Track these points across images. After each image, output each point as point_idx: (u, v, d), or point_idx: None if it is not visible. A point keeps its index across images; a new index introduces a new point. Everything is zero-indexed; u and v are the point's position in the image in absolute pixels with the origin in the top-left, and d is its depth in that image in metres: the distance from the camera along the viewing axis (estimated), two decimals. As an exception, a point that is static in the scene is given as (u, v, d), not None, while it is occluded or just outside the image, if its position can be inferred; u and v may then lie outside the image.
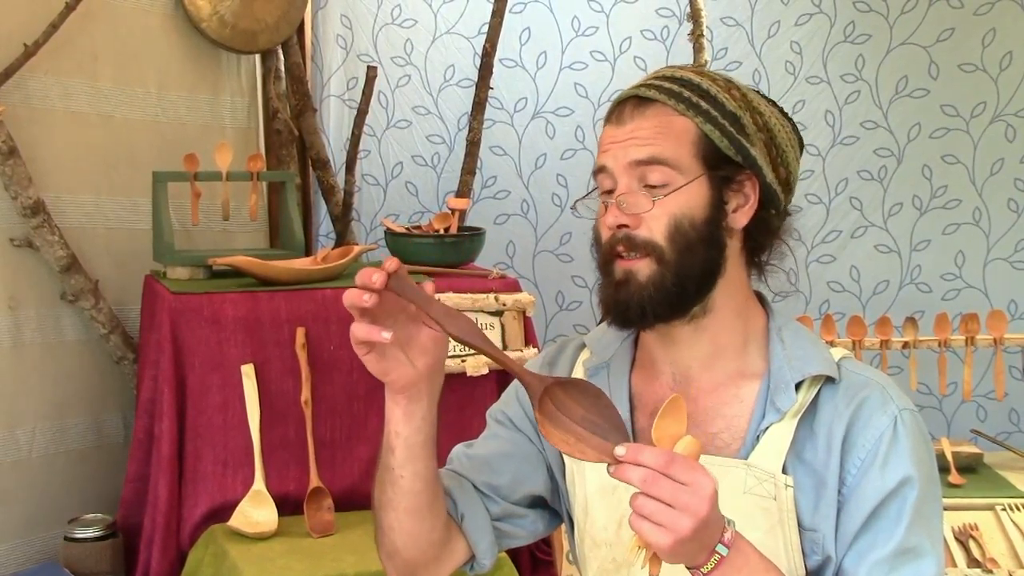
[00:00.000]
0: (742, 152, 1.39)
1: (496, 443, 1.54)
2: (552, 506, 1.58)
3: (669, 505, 1.15)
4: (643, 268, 1.37)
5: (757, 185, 1.41)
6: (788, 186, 1.46)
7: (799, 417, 1.38)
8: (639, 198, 1.37)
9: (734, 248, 1.42)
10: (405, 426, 1.33)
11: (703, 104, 1.39)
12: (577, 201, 1.49)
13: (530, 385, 1.25)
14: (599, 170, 1.42)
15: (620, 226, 1.38)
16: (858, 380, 1.40)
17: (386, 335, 1.24)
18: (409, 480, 1.35)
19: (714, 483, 1.16)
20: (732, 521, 1.24)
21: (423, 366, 1.30)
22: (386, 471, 1.37)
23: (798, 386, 1.39)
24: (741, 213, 1.41)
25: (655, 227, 1.36)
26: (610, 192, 1.41)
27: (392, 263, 1.25)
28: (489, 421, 1.58)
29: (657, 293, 1.37)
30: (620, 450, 1.18)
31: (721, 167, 1.38)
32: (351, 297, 1.25)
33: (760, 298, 1.49)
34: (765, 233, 1.44)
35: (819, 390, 1.40)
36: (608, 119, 1.43)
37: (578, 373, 1.54)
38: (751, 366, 1.43)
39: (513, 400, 1.58)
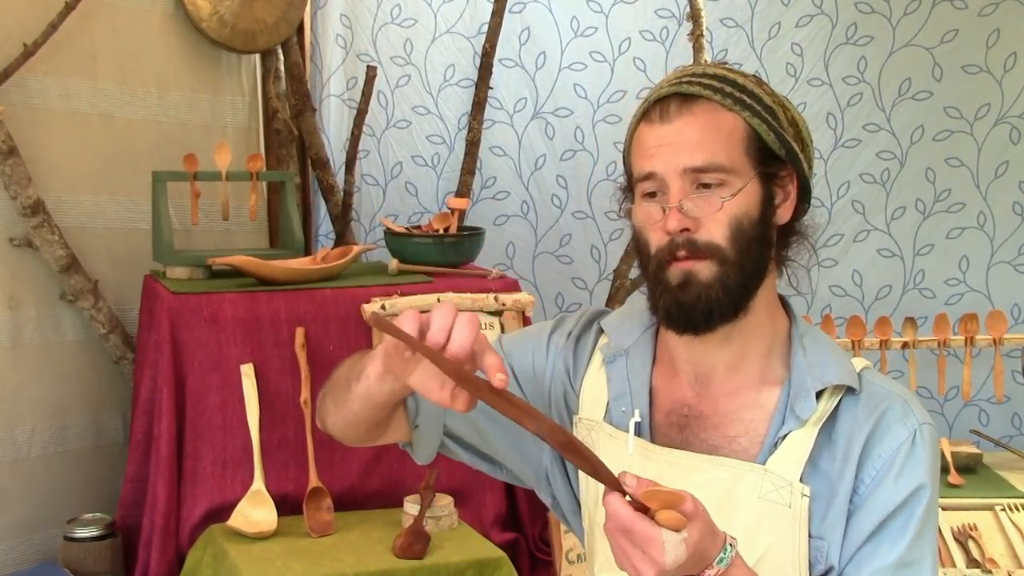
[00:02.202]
0: (785, 146, 1.38)
1: None
2: (527, 484, 1.55)
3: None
4: (703, 269, 1.34)
5: (796, 179, 1.41)
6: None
7: (820, 426, 1.37)
8: (701, 203, 1.34)
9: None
10: (376, 383, 1.29)
11: (747, 99, 1.37)
12: (625, 208, 1.43)
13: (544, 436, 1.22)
14: (646, 177, 1.37)
15: (681, 231, 1.35)
16: (880, 392, 1.38)
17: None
18: (358, 409, 1.34)
19: (667, 563, 1.14)
20: (725, 559, 1.20)
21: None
22: (340, 389, 1.36)
23: (819, 395, 1.37)
24: (784, 208, 1.40)
25: (716, 230, 1.34)
26: (654, 195, 1.37)
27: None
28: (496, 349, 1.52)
29: (724, 294, 1.34)
30: (604, 492, 1.18)
31: (768, 163, 1.37)
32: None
33: (783, 302, 1.47)
34: (795, 229, 1.43)
35: (840, 400, 1.38)
36: (647, 118, 1.38)
37: (596, 358, 1.51)
38: (773, 372, 1.42)
39: (528, 353, 1.52)
